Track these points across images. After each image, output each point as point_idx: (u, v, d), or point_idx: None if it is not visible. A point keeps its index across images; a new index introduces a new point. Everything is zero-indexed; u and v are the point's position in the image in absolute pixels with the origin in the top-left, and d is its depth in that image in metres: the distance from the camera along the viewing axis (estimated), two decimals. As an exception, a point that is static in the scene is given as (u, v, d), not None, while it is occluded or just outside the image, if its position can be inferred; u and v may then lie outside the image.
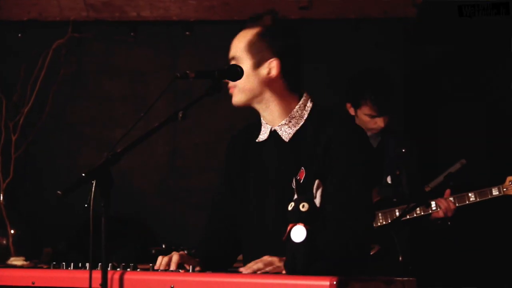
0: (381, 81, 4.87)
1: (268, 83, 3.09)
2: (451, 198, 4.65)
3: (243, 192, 3.17)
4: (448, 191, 4.67)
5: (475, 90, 6.04)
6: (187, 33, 5.92)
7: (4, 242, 5.39)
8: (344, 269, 2.68)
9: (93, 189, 2.57)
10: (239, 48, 3.10)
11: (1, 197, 5.47)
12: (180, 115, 2.82)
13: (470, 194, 4.64)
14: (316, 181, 2.71)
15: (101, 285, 2.60)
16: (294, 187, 2.73)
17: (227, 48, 5.88)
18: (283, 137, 3.09)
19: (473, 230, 5.68)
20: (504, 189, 4.60)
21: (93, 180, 2.58)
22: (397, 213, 4.67)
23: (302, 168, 3.01)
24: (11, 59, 5.82)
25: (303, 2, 5.73)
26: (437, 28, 5.87)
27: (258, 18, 3.13)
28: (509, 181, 4.61)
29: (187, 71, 2.93)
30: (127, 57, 6.02)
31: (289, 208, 2.65)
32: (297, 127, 3.08)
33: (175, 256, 2.98)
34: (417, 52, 6.01)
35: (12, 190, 5.60)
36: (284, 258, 2.75)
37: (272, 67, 3.07)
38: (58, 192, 2.55)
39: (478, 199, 4.63)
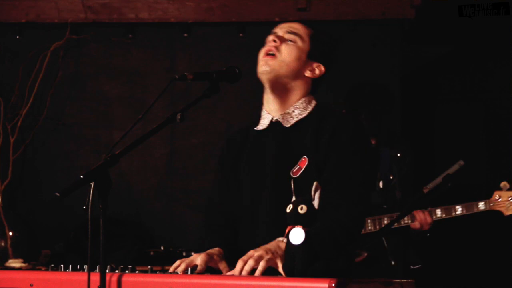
0: (380, 98, 4.88)
1: (304, 78, 3.15)
2: (427, 211, 4.66)
3: (239, 184, 3.17)
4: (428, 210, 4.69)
5: (474, 91, 6.05)
6: (185, 35, 5.91)
7: (3, 244, 5.38)
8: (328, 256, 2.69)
9: (91, 191, 2.57)
10: (304, 31, 3.17)
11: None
12: (179, 117, 2.82)
13: (457, 207, 4.65)
14: (314, 183, 2.70)
15: (99, 287, 2.59)
16: (292, 188, 2.73)
17: (226, 50, 5.87)
18: (284, 124, 3.10)
19: (473, 231, 5.68)
20: (491, 204, 4.62)
21: (92, 182, 2.58)
22: (385, 221, 4.67)
23: (305, 157, 3.02)
24: (9, 61, 5.82)
25: (301, 4, 5.73)
26: (435, 29, 5.88)
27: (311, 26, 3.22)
28: (496, 196, 4.62)
29: (185, 73, 2.93)
30: (125, 59, 6.02)
31: (288, 210, 2.65)
32: (300, 118, 3.12)
33: (201, 257, 2.95)
34: (415, 52, 6.01)
35: (10, 192, 5.60)
36: (269, 246, 2.78)
37: (318, 70, 3.17)
38: (57, 193, 2.54)
39: (465, 212, 4.65)
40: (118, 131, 5.84)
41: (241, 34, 5.87)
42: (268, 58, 3.11)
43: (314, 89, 3.19)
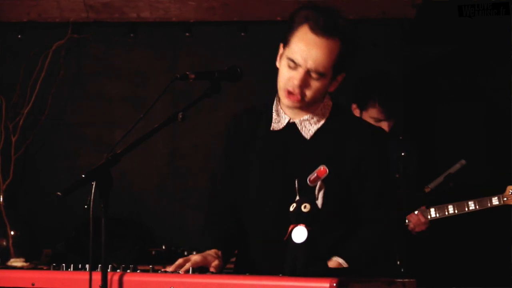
0: (390, 83, 4.87)
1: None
2: (432, 210, 4.66)
3: (245, 178, 3.14)
4: (423, 207, 4.69)
5: (475, 90, 6.05)
6: (187, 34, 5.92)
7: (4, 243, 5.39)
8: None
9: (93, 190, 2.57)
10: (328, 63, 2.97)
11: (1, 198, 5.47)
12: (180, 116, 2.83)
13: (469, 203, 4.64)
14: (319, 182, 2.71)
15: (101, 286, 2.60)
16: (296, 187, 2.73)
17: (227, 49, 5.87)
18: (303, 133, 3.06)
19: (473, 231, 5.67)
20: (504, 199, 4.60)
21: (93, 181, 2.58)
22: None
23: (324, 166, 3.00)
24: (10, 60, 5.82)
25: (303, 3, 5.72)
26: (436, 29, 5.87)
27: (335, 25, 3.03)
28: (509, 191, 4.60)
29: (187, 72, 2.93)
30: (126, 58, 6.02)
31: (291, 209, 2.65)
32: (318, 125, 3.07)
33: (195, 258, 2.96)
34: (416, 52, 6.01)
35: (12, 191, 5.60)
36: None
37: (340, 79, 3.07)
38: (58, 193, 2.54)
39: (477, 208, 4.63)
40: (120, 131, 5.84)
41: (242, 34, 5.87)
42: (295, 100, 3.00)
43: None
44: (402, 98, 4.96)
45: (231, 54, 5.85)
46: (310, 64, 2.95)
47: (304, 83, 2.97)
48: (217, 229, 3.15)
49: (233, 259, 3.23)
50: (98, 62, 6.02)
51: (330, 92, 3.09)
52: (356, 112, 4.81)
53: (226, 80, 3.01)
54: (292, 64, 2.98)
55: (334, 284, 2.36)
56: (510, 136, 5.26)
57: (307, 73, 2.96)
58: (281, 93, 3.03)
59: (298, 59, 2.96)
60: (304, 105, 3.03)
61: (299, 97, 2.98)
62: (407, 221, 4.69)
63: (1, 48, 5.83)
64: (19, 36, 5.87)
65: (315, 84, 2.98)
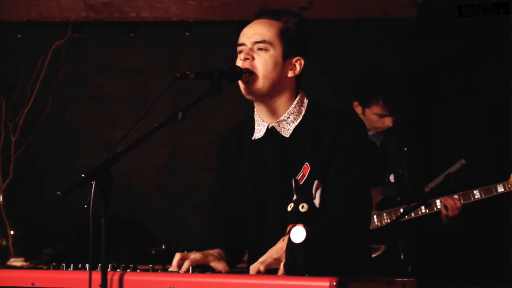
0: (392, 80, 4.88)
1: (287, 79, 3.09)
2: (456, 196, 4.66)
3: (240, 190, 3.16)
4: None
5: (475, 90, 6.05)
6: (187, 33, 5.92)
7: (4, 243, 5.38)
8: (338, 262, 2.70)
9: (93, 190, 2.57)
10: (272, 33, 3.05)
11: (1, 198, 5.47)
12: (180, 116, 2.83)
13: (475, 192, 4.63)
14: (316, 182, 2.70)
15: (101, 286, 2.60)
16: (293, 187, 2.73)
17: (227, 48, 5.87)
18: (282, 133, 3.08)
19: (473, 231, 5.68)
20: (509, 186, 4.59)
21: (93, 181, 2.58)
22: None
23: (306, 163, 3.00)
24: (10, 59, 5.82)
25: (303, 3, 5.73)
26: (437, 28, 5.87)
27: (279, 13, 3.10)
28: None
29: (187, 72, 2.93)
30: (126, 58, 6.02)
31: (289, 209, 2.65)
32: (296, 123, 3.08)
33: (194, 256, 2.95)
34: (417, 52, 6.01)
35: (11, 190, 5.60)
36: (273, 251, 2.78)
37: (298, 65, 3.09)
38: (58, 192, 2.54)
39: (483, 196, 4.63)
40: (120, 130, 5.85)
41: (242, 33, 5.87)
42: (248, 82, 3.03)
43: (299, 81, 3.13)
44: (405, 93, 4.96)
45: (231, 53, 5.82)
46: (251, 36, 3.04)
47: (251, 56, 3.05)
48: (220, 238, 3.15)
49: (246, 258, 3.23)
50: (98, 61, 6.02)
51: (291, 77, 3.09)
52: (358, 110, 4.81)
53: (226, 79, 3.01)
54: (241, 48, 3.07)
55: (334, 283, 2.36)
56: (510, 136, 5.26)
57: (253, 46, 3.04)
58: (240, 85, 3.07)
59: (244, 39, 3.07)
60: (261, 89, 3.04)
61: (247, 67, 3.02)
62: (438, 205, 4.67)
63: (1, 48, 5.83)
64: (19, 35, 5.87)
65: (262, 56, 3.04)
